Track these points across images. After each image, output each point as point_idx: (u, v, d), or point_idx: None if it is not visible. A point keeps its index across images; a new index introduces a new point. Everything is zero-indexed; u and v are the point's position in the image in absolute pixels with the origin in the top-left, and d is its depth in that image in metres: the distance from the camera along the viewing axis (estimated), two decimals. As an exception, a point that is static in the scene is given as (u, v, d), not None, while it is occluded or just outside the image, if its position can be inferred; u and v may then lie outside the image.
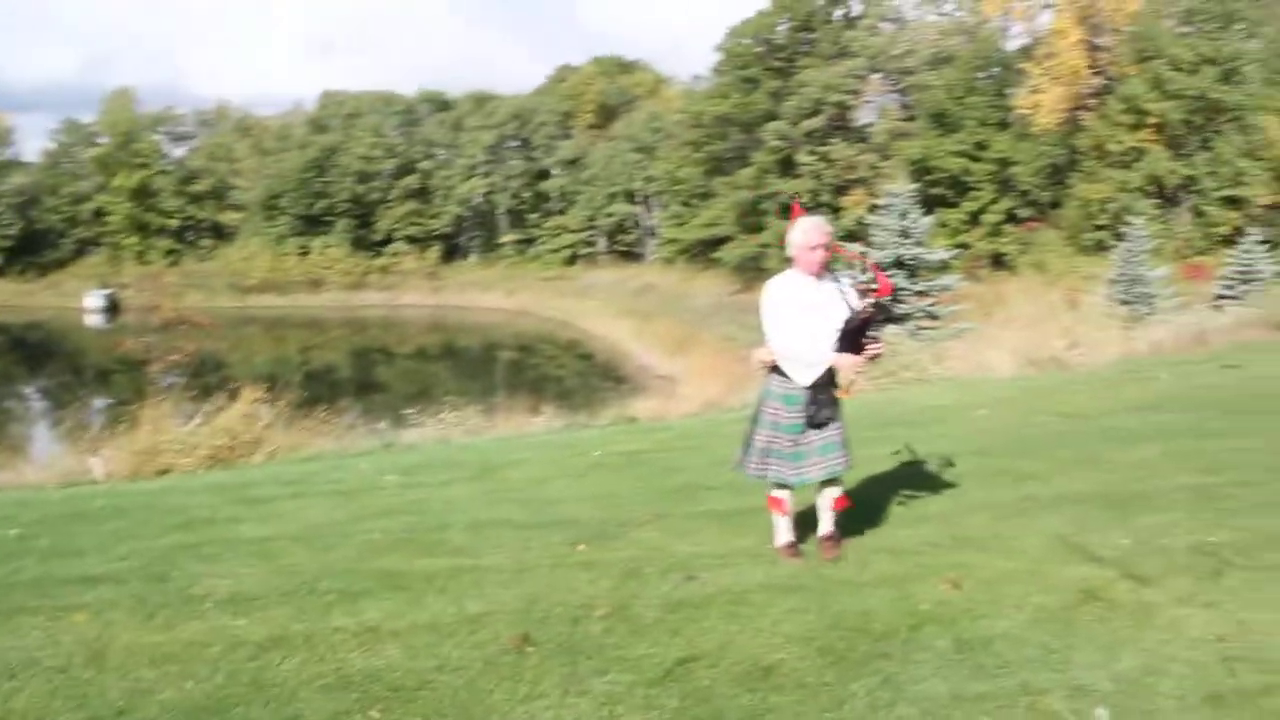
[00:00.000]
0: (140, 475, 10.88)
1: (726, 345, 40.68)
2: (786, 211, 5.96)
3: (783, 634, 4.84)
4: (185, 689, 4.37)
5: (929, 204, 39.61)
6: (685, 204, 59.17)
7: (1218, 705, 4.01)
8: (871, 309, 5.74)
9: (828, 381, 5.84)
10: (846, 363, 5.77)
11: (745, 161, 53.85)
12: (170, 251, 73.38)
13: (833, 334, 5.74)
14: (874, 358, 5.90)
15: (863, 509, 7.11)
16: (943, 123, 42.45)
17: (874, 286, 5.78)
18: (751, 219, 52.30)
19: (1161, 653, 4.49)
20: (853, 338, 5.73)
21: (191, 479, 10.23)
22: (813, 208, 48.81)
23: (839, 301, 5.76)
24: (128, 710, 4.18)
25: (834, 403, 5.92)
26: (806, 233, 5.81)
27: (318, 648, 4.79)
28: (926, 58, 49.77)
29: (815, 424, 5.89)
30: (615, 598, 5.41)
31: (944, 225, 40.63)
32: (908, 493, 7.54)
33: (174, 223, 74.57)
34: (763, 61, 53.69)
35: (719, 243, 54.55)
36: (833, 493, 6.08)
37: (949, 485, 7.80)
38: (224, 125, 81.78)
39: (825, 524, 6.15)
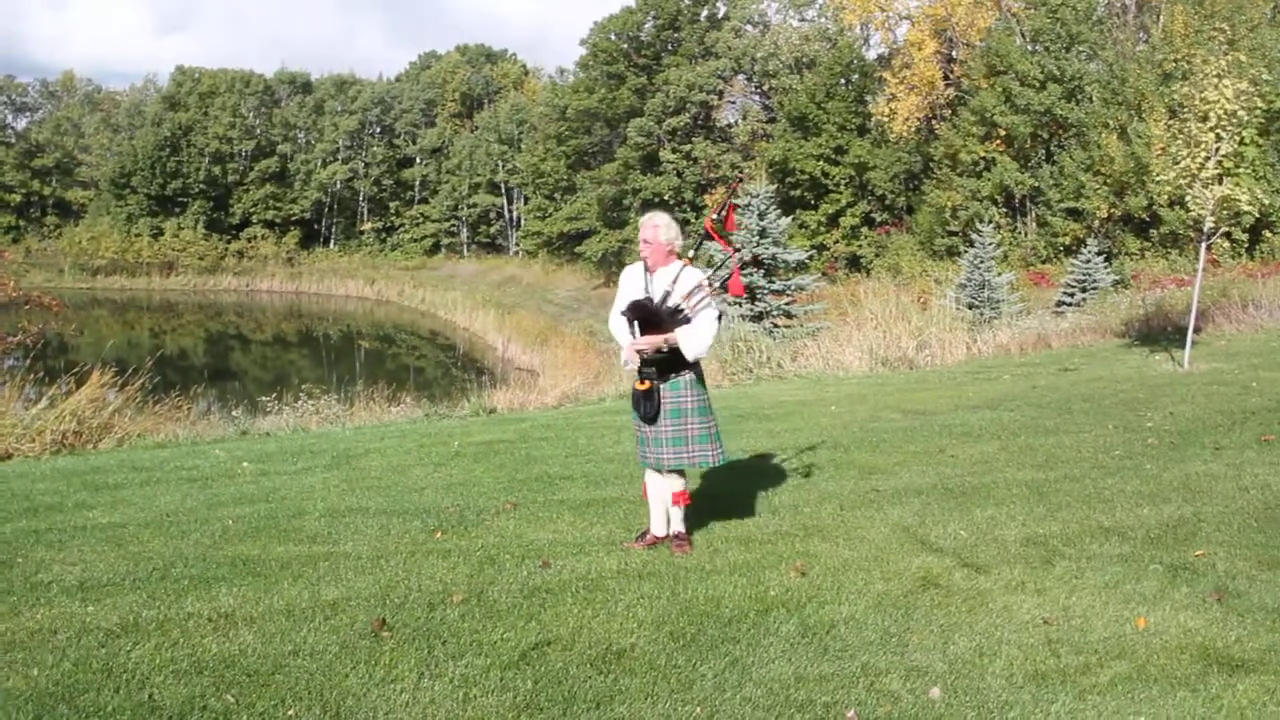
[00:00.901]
0: (-22, 460, 10.49)
1: (588, 339, 40.89)
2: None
3: (635, 619, 4.99)
4: (31, 676, 4.30)
5: (789, 205, 40.44)
6: (549, 197, 59.13)
7: (1041, 683, 4.27)
8: (678, 301, 5.85)
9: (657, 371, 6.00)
10: (626, 342, 5.98)
11: (609, 156, 54.09)
12: (11, 228, 70.29)
13: (620, 317, 5.99)
14: (656, 349, 5.90)
15: (717, 500, 7.32)
16: (803, 126, 43.22)
17: (724, 280, 5.95)
18: (614, 214, 52.56)
19: (993, 636, 4.75)
20: (657, 324, 5.86)
21: (36, 464, 9.91)
22: (675, 205, 49.42)
23: (659, 291, 5.92)
24: (-30, 698, 4.09)
25: (647, 396, 6.01)
26: (640, 229, 6.07)
27: (171, 633, 4.76)
28: (789, 62, 50.65)
29: (644, 416, 6.04)
30: (472, 584, 5.48)
31: (803, 226, 41.46)
32: (760, 484, 7.76)
33: (16, 198, 71.44)
34: (628, 58, 53.93)
35: (582, 237, 54.72)
36: (671, 486, 6.16)
37: (800, 477, 8.06)
38: (71, 97, 78.55)
39: (673, 522, 6.26)
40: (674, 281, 5.90)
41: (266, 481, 8.46)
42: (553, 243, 58.72)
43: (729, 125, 53.68)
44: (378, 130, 72.11)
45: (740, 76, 53.48)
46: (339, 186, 70.38)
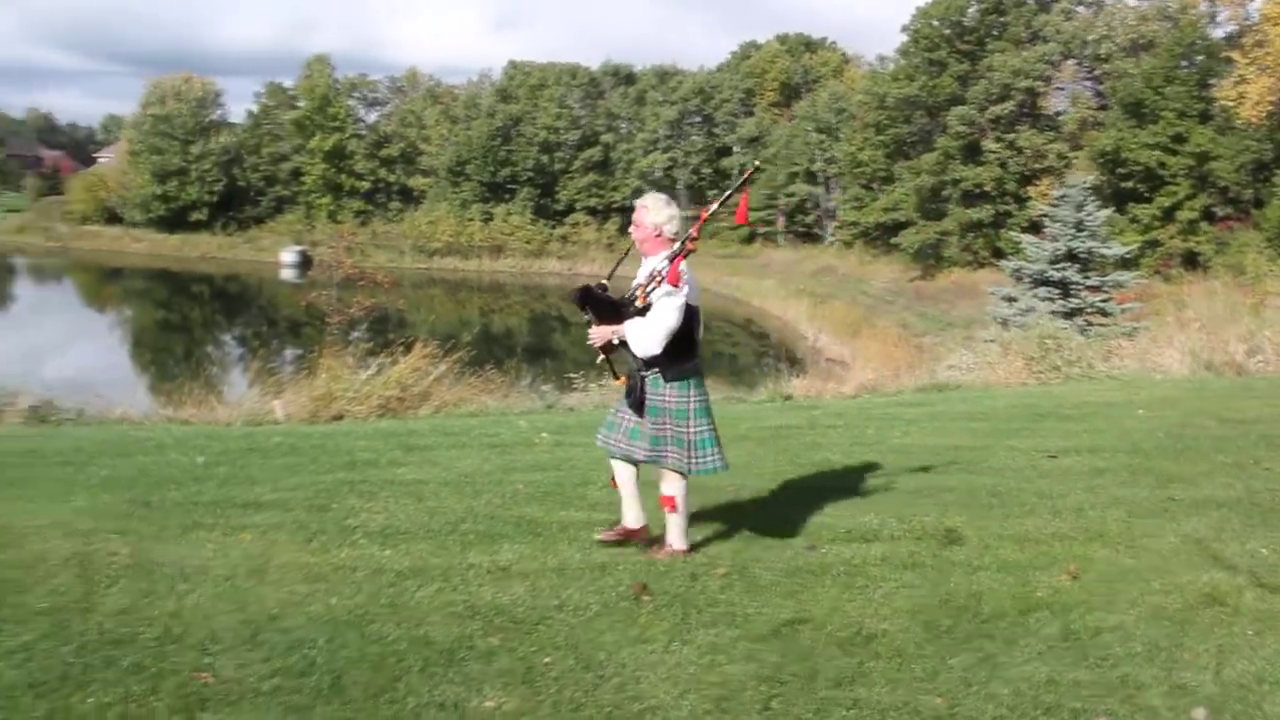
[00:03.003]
0: (316, 419, 11.63)
1: (900, 331, 40.29)
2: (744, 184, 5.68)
3: (891, 606, 5.01)
4: (330, 604, 4.84)
5: (1119, 198, 38.30)
6: (866, 187, 58.48)
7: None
8: (622, 294, 5.57)
9: (641, 365, 5.61)
10: (593, 331, 5.63)
11: (929, 146, 52.88)
12: (360, 212, 76.12)
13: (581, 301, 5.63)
14: (608, 343, 5.58)
15: (996, 496, 7.17)
16: (1138, 113, 40.76)
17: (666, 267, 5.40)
18: (933, 205, 51.35)
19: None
20: (613, 314, 5.53)
21: (362, 425, 10.90)
22: (997, 196, 47.75)
23: (638, 280, 5.58)
24: (279, 617, 4.67)
25: (629, 389, 5.71)
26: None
27: (452, 579, 5.22)
28: (1124, 44, 47.85)
29: (631, 407, 5.75)
30: (737, 559, 5.66)
31: (1134, 221, 39.16)
32: (1045, 484, 7.54)
33: (365, 185, 77.43)
34: (951, 44, 52.49)
35: (899, 228, 53.75)
36: (665, 488, 5.73)
37: (1090, 480, 7.75)
38: (415, 92, 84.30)
39: (668, 527, 5.84)
40: (656, 269, 5.47)
41: (560, 451, 8.95)
42: (869, 233, 58.02)
43: (1056, 113, 51.30)
44: (697, 119, 73.41)
45: (1070, 61, 51.01)
46: (658, 175, 72.15)
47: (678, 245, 5.48)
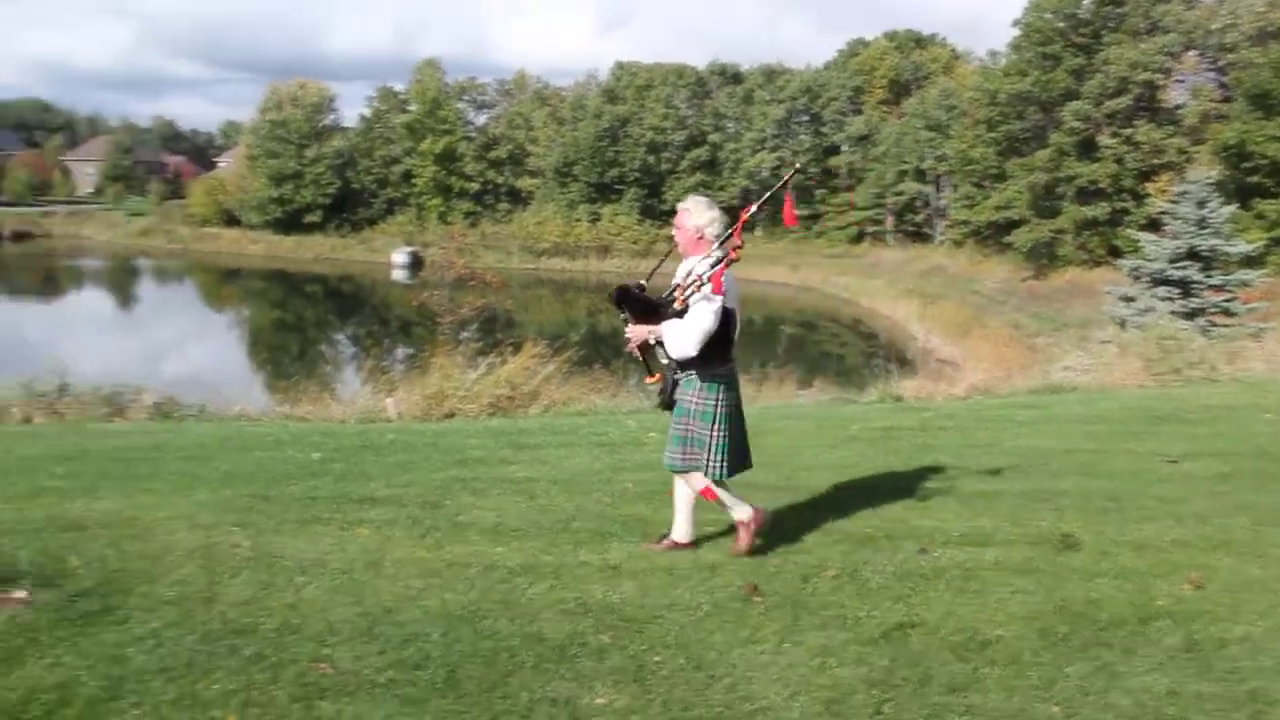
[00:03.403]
0: (428, 417, 11.84)
1: (1012, 332, 39.56)
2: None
3: (1006, 612, 4.92)
4: (445, 599, 4.92)
5: (1244, 193, 37.02)
6: (977, 185, 57.43)
7: None
8: (655, 296, 5.62)
9: (675, 365, 5.64)
10: (629, 330, 5.65)
11: (1042, 142, 51.69)
12: (470, 213, 77.18)
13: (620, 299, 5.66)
14: (645, 342, 5.62)
15: (1114, 501, 7.00)
16: (1265, 104, 39.31)
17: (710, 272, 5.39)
18: (1046, 203, 50.22)
19: None
20: (651, 314, 5.57)
21: (472, 423, 11.07)
22: (1113, 193, 46.53)
23: (676, 279, 5.59)
24: (395, 611, 4.76)
25: (673, 385, 5.69)
26: None
27: (563, 577, 5.26)
28: (1250, 32, 46.21)
29: (663, 405, 5.81)
30: (847, 561, 5.61)
31: (1260, 217, 37.79)
32: (1163, 489, 7.34)
33: (474, 186, 78.53)
34: (1065, 37, 51.23)
35: (1011, 226, 52.66)
36: (690, 483, 5.75)
37: (1214, 485, 7.53)
38: (523, 94, 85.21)
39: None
40: (696, 270, 5.48)
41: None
42: (980, 232, 56.96)
43: (1176, 106, 49.73)
44: (805, 118, 72.94)
45: (1191, 52, 49.39)
46: (766, 174, 71.78)
47: (722, 252, 5.47)
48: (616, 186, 72.96)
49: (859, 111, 72.79)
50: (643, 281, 5.81)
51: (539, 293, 58.04)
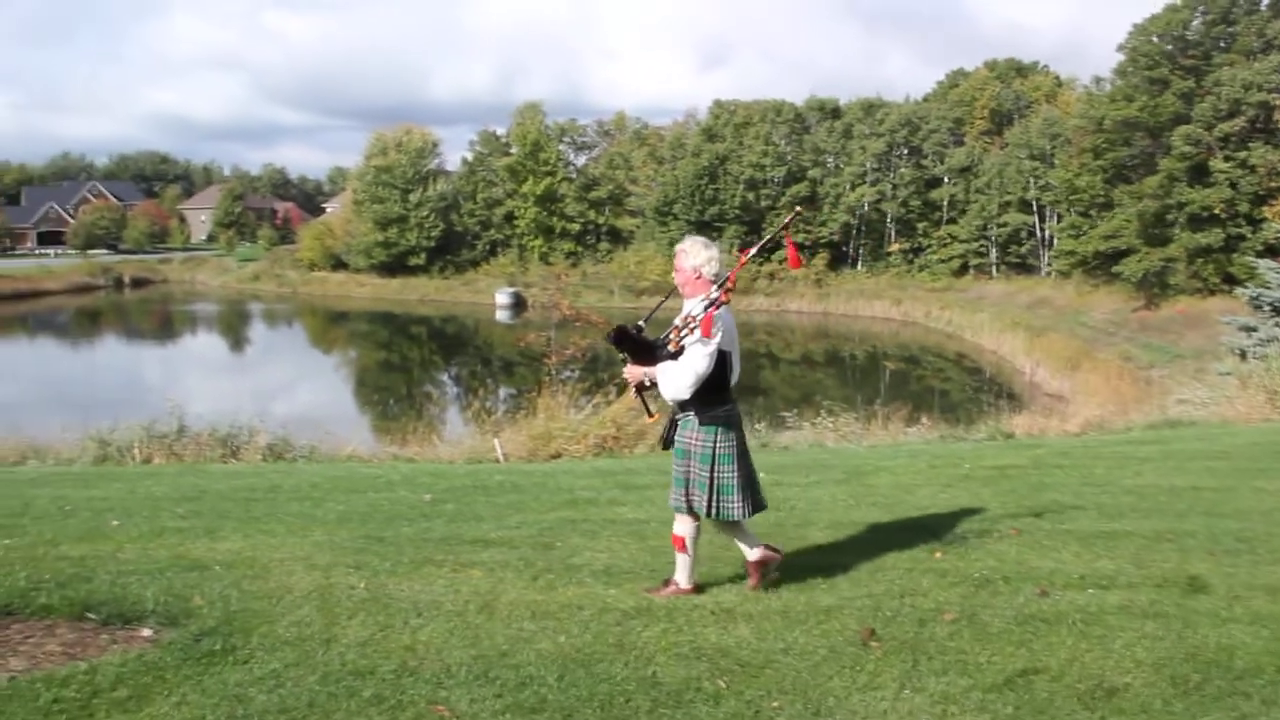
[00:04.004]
0: (534, 458, 11.93)
1: (1123, 365, 38.59)
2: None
3: (1134, 658, 4.75)
4: (559, 642, 4.92)
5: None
6: (1083, 214, 56.30)
7: None
8: (645, 334, 5.64)
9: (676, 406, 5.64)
10: (626, 370, 5.68)
11: (1151, 169, 50.49)
12: (571, 253, 77.96)
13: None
14: (640, 383, 5.65)
15: (1243, 542, 6.75)
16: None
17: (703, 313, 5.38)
18: (1156, 231, 48.99)
19: None
20: (646, 353, 5.58)
21: (579, 464, 11.12)
22: (1227, 219, 45.19)
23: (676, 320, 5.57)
24: (510, 654, 4.77)
25: (672, 425, 5.68)
26: None
27: (677, 620, 5.22)
28: (1371, 51, 44.76)
29: (663, 445, 5.80)
30: (965, 605, 5.48)
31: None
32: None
33: (575, 227, 79.32)
34: (1173, 60, 50.08)
35: (1120, 256, 51.45)
36: (675, 527, 5.72)
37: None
38: (622, 135, 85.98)
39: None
40: (692, 311, 5.48)
41: (779, 491, 8.89)
42: (1087, 262, 55.75)
43: (1294, 128, 48.20)
44: (905, 151, 72.32)
45: (1309, 72, 47.90)
46: (866, 208, 71.37)
47: (714, 292, 5.47)
48: (716, 224, 72.97)
49: (960, 143, 71.98)
50: (640, 322, 5.80)
51: (640, 331, 58.16)
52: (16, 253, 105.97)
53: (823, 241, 72.11)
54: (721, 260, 5.63)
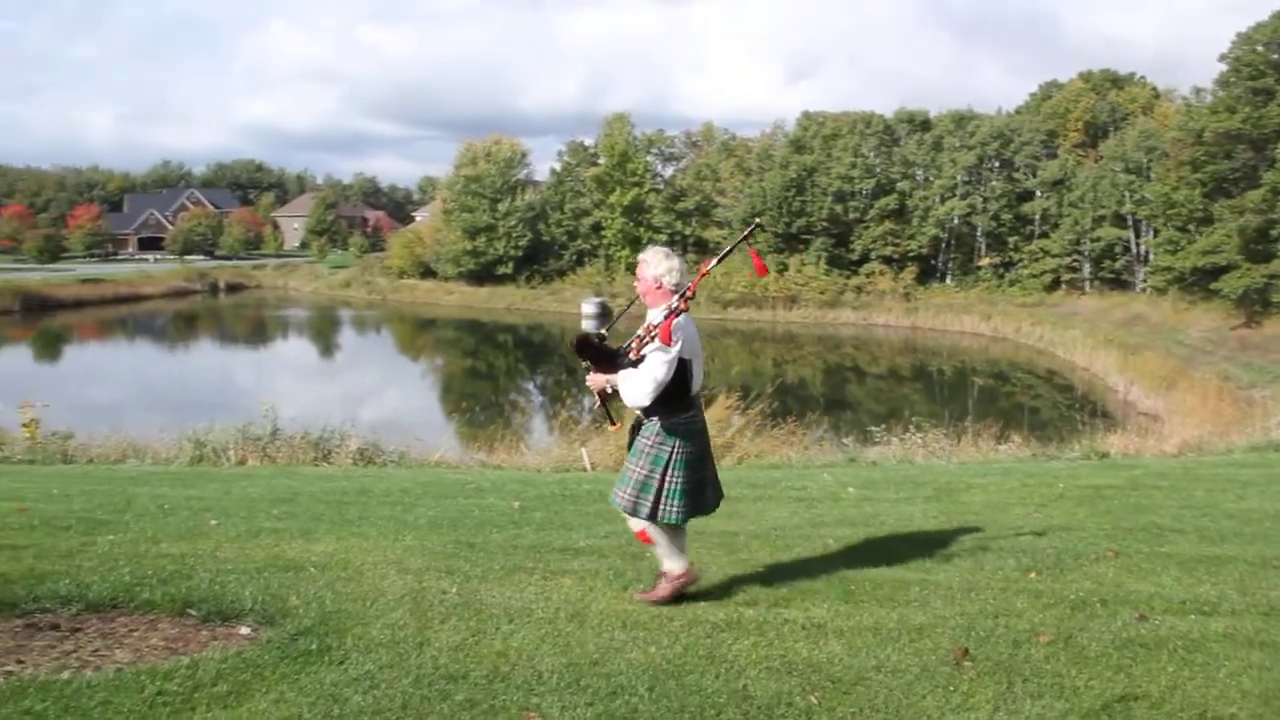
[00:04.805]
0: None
1: (1221, 384, 37.58)
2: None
3: (1239, 688, 4.62)
4: (649, 653, 4.93)
5: None
6: (1181, 229, 54.95)
7: None
8: (605, 343, 5.74)
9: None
10: (589, 378, 5.81)
11: (1254, 182, 49.15)
12: (657, 264, 77.85)
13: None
14: (602, 390, 5.78)
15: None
16: None
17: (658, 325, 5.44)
18: (1259, 246, 47.67)
19: None
20: (607, 361, 5.69)
21: (666, 475, 11.08)
22: None
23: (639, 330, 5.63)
24: (601, 662, 4.79)
25: (635, 428, 5.80)
26: None
27: (767, 634, 5.21)
28: None
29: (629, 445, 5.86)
30: (1061, 627, 5.38)
31: None
32: None
33: (662, 237, 79.24)
34: (1279, 70, 48.73)
35: (1219, 272, 50.14)
36: (632, 524, 5.86)
37: None
38: (709, 146, 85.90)
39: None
40: (652, 320, 5.57)
41: (868, 506, 8.83)
42: (1185, 278, 54.38)
43: None
44: (996, 164, 71.26)
45: None
46: (956, 222, 70.45)
47: (675, 301, 5.54)
48: (804, 236, 72.58)
49: (1053, 155, 70.72)
50: (603, 331, 5.93)
51: (726, 342, 58.05)
52: (119, 257, 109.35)
53: (911, 255, 71.29)
54: (683, 270, 5.71)
